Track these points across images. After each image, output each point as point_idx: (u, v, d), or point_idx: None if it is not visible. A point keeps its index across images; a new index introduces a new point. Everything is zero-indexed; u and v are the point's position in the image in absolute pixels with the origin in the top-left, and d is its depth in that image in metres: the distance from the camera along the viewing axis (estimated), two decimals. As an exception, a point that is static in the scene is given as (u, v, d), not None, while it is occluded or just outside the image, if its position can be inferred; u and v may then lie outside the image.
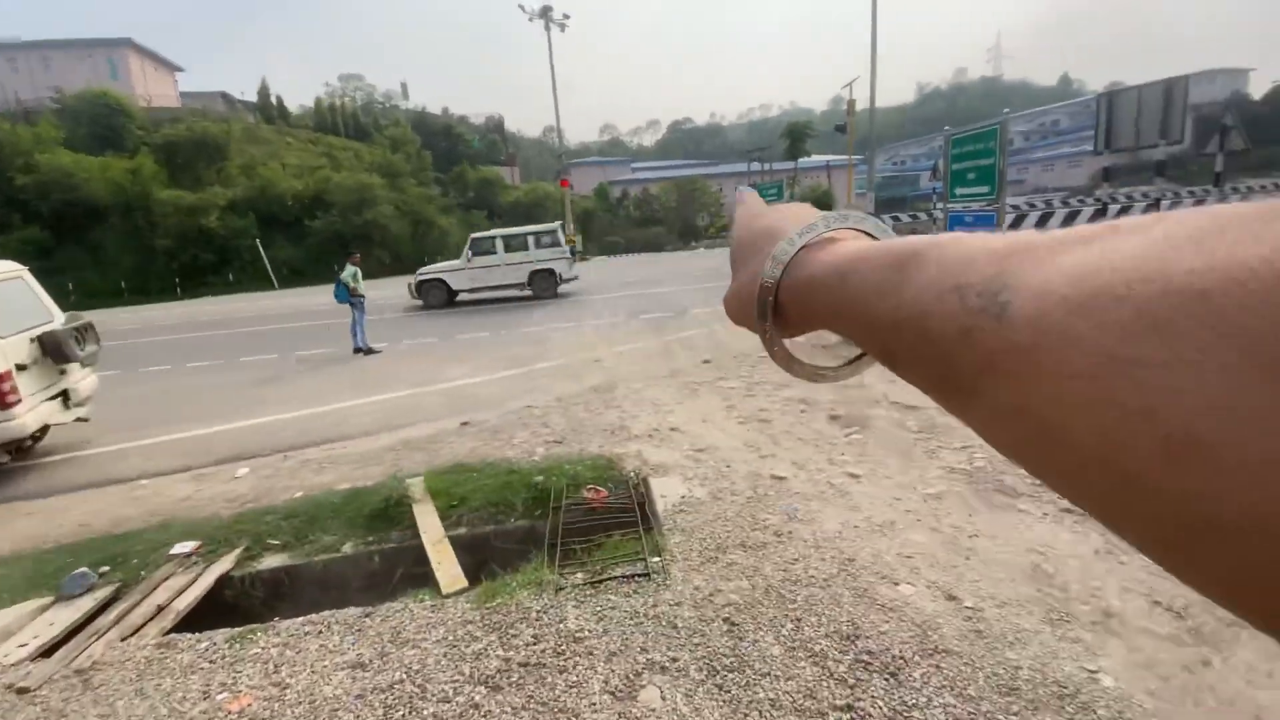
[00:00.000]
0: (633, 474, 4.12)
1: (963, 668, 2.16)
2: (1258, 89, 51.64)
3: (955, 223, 8.79)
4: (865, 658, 2.24)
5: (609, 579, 2.89)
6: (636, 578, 2.88)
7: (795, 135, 45.87)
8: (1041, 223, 17.82)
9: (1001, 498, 3.37)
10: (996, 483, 3.55)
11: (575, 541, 3.34)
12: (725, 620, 2.50)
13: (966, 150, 8.41)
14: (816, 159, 50.74)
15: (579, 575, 2.97)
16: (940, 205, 9.95)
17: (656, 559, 3.02)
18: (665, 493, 3.78)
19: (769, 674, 2.18)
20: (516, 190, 48.45)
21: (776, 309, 0.35)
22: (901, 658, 2.23)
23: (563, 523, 3.53)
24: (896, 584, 2.69)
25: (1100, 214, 10.35)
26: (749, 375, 6.49)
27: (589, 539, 3.36)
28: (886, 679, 2.14)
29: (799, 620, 2.47)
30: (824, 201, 42.32)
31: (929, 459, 3.97)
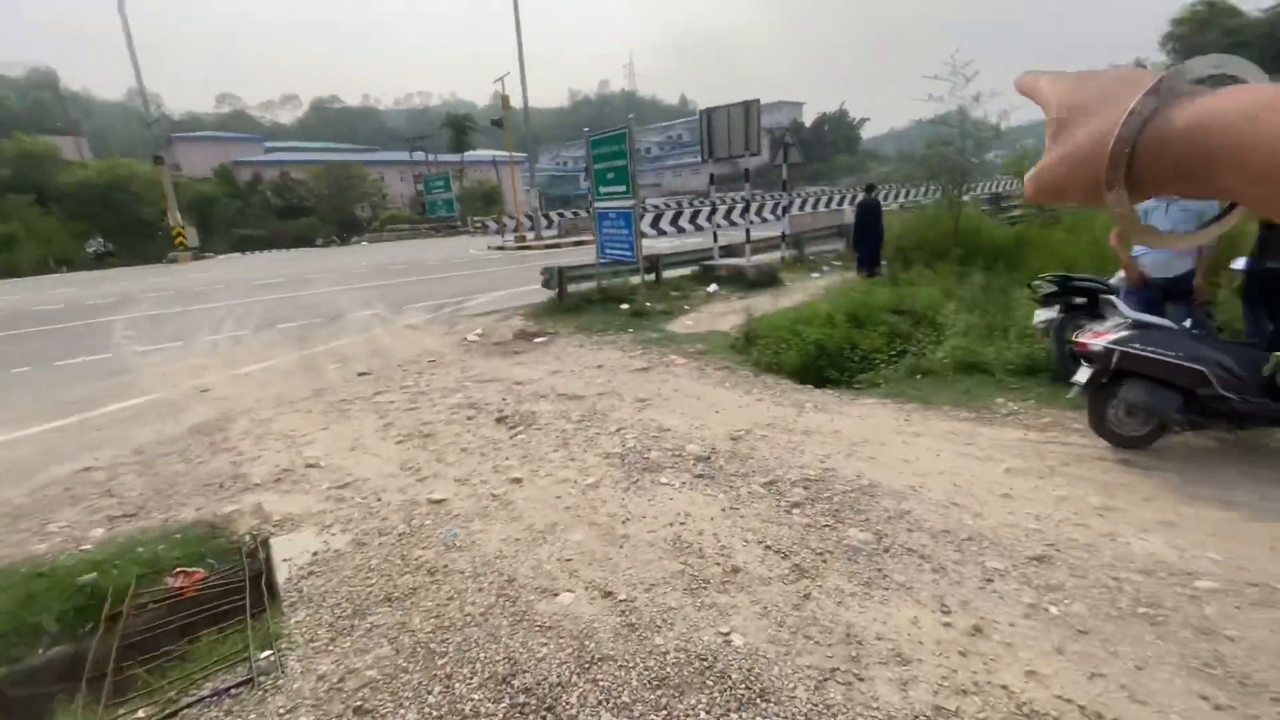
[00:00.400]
0: (247, 538, 3.21)
1: (618, 672, 2.12)
2: (809, 118, 70.68)
3: (602, 219, 9.51)
4: (522, 698, 2.02)
5: (190, 705, 2.10)
6: (235, 690, 2.15)
7: (457, 127, 44.99)
8: (674, 220, 20.84)
9: (648, 475, 3.59)
10: (644, 460, 3.79)
11: (142, 661, 2.37)
12: (356, 710, 2.00)
13: (604, 152, 9.12)
14: (483, 153, 50.50)
15: (141, 714, 2.09)
16: (591, 204, 10.68)
17: (268, 653, 2.31)
18: (291, 554, 3.02)
19: (408, 767, 1.79)
20: (85, 168, 35.97)
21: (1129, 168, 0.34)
22: (559, 683, 2.08)
23: (122, 637, 2.49)
24: (556, 595, 2.56)
25: (712, 213, 12.51)
26: (414, 385, 5.87)
27: (166, 652, 2.43)
28: (543, 716, 1.95)
29: (449, 677, 2.13)
30: (493, 196, 42.53)
31: (588, 448, 4.04)
